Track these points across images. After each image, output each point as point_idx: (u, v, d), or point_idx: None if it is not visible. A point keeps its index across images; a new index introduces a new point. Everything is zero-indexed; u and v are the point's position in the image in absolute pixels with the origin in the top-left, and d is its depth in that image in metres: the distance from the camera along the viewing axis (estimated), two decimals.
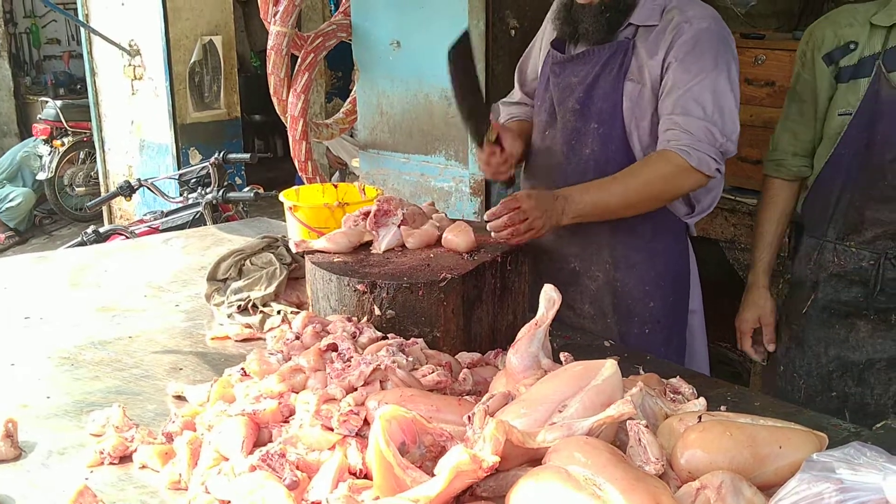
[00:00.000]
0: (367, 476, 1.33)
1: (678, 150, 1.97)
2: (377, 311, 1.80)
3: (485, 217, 1.94)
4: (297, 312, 2.10)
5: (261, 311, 2.15)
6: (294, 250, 2.09)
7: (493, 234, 1.93)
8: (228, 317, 2.16)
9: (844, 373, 2.20)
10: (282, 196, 2.59)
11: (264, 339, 2.03)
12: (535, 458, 1.19)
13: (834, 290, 2.19)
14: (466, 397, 1.52)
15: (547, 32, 2.32)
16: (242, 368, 1.64)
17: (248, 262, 2.27)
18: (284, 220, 2.63)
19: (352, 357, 1.54)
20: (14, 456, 1.53)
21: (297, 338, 1.72)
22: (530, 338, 1.46)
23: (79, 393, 1.81)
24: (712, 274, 3.96)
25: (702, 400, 1.41)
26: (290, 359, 1.62)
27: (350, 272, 1.86)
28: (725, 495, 1.10)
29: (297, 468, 1.31)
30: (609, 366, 1.28)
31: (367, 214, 2.05)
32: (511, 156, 2.19)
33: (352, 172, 6.61)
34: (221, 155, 4.10)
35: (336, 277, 1.85)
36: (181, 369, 1.93)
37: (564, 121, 2.19)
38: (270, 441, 1.44)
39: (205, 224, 3.76)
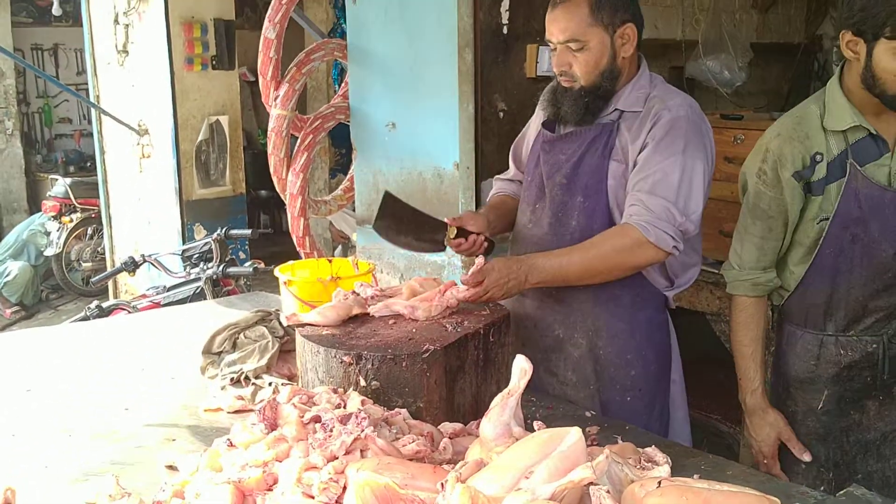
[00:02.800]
0: None
1: (638, 224, 2.06)
2: (362, 382, 1.87)
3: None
4: (288, 384, 2.18)
5: (253, 383, 2.22)
6: (285, 324, 2.17)
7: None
8: (222, 389, 2.23)
9: (866, 453, 2.23)
10: (277, 271, 2.69)
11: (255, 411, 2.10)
12: None
13: (847, 379, 2.21)
14: (445, 466, 1.58)
15: (538, 115, 2.47)
16: (229, 439, 1.71)
17: (242, 335, 2.36)
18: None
19: (334, 427, 1.61)
20: None
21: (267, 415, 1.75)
22: (503, 407, 1.53)
23: (76, 463, 1.87)
24: (700, 346, 4.02)
25: (665, 467, 1.47)
26: (274, 428, 1.69)
27: (337, 344, 1.94)
28: None
29: None
30: (573, 433, 1.35)
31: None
32: (477, 236, 2.33)
33: (354, 246, 6.73)
34: (224, 231, 4.22)
35: (324, 349, 1.93)
36: (174, 440, 2.00)
37: (552, 194, 2.30)
38: None
39: (205, 298, 3.85)
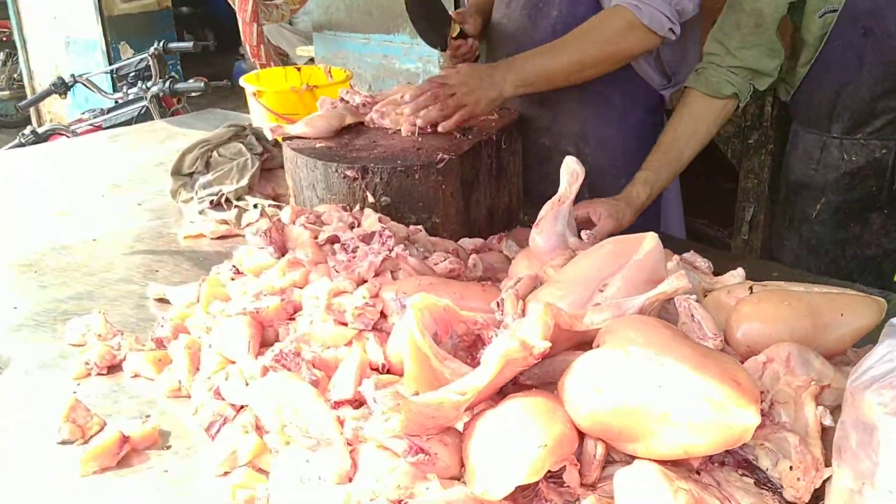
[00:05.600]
0: (389, 371, 1.24)
1: (629, 5, 1.81)
2: (371, 199, 1.66)
3: (405, 98, 1.80)
4: (276, 206, 1.96)
5: (235, 206, 2.00)
6: (270, 137, 1.93)
7: (415, 117, 1.78)
8: (200, 213, 2.01)
9: (863, 270, 2.10)
10: (242, 81, 2.40)
11: (243, 236, 1.89)
12: (581, 343, 1.10)
13: (848, 188, 2.04)
14: (487, 283, 1.41)
15: None
16: (234, 266, 1.50)
17: (215, 153, 2.10)
18: (242, 112, 2.45)
19: (357, 247, 1.41)
20: None
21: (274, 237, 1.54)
22: (555, 216, 1.35)
23: (48, 301, 1.66)
24: None
25: (740, 271, 1.32)
26: (284, 252, 1.49)
27: (337, 157, 1.71)
28: (794, 367, 1.02)
29: (315, 367, 1.20)
30: (650, 239, 1.18)
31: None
32: (474, 41, 2.11)
33: (293, 63, 6.31)
34: (161, 45, 3.81)
35: (322, 164, 1.70)
36: (157, 271, 1.79)
37: None
38: (277, 341, 1.32)
39: (152, 119, 3.51)
